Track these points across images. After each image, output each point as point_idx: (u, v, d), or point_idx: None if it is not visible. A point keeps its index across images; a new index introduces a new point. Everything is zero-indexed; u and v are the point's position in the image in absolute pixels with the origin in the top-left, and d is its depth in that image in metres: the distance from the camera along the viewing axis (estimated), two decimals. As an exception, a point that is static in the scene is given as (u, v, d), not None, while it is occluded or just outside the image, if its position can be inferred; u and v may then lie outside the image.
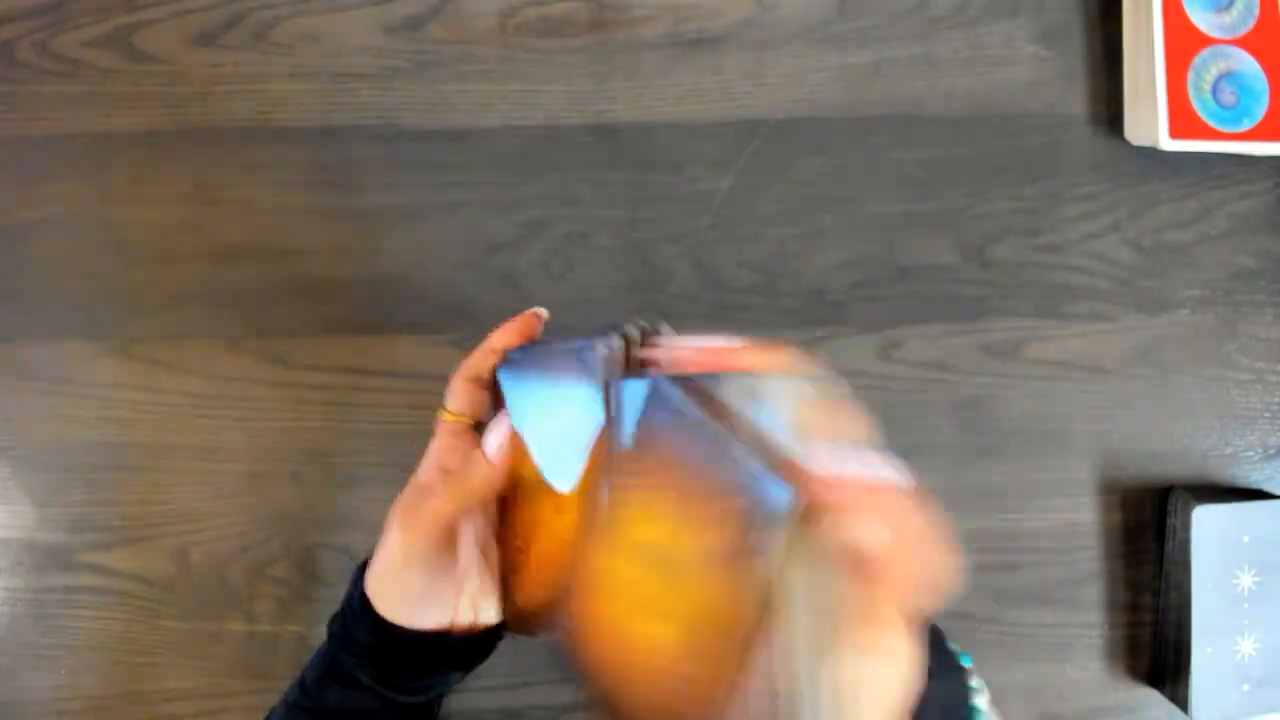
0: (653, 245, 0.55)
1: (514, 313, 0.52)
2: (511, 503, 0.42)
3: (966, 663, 0.36)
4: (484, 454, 0.39)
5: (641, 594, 0.32)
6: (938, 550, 0.28)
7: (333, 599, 0.53)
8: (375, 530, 0.53)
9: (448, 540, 0.39)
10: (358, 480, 0.54)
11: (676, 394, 0.32)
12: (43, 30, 0.55)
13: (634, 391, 0.34)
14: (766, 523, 0.28)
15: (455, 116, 0.55)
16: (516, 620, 0.42)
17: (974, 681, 0.36)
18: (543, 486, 0.39)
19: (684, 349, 0.33)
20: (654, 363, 0.35)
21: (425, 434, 0.53)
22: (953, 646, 0.37)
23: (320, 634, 0.54)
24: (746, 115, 0.55)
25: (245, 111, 0.55)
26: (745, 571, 0.28)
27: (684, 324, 0.54)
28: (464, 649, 0.40)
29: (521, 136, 0.55)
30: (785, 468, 0.28)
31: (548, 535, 0.40)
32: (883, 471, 0.28)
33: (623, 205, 0.55)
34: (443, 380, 0.40)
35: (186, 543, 0.53)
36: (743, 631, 0.28)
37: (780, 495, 0.28)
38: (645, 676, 0.32)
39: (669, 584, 0.31)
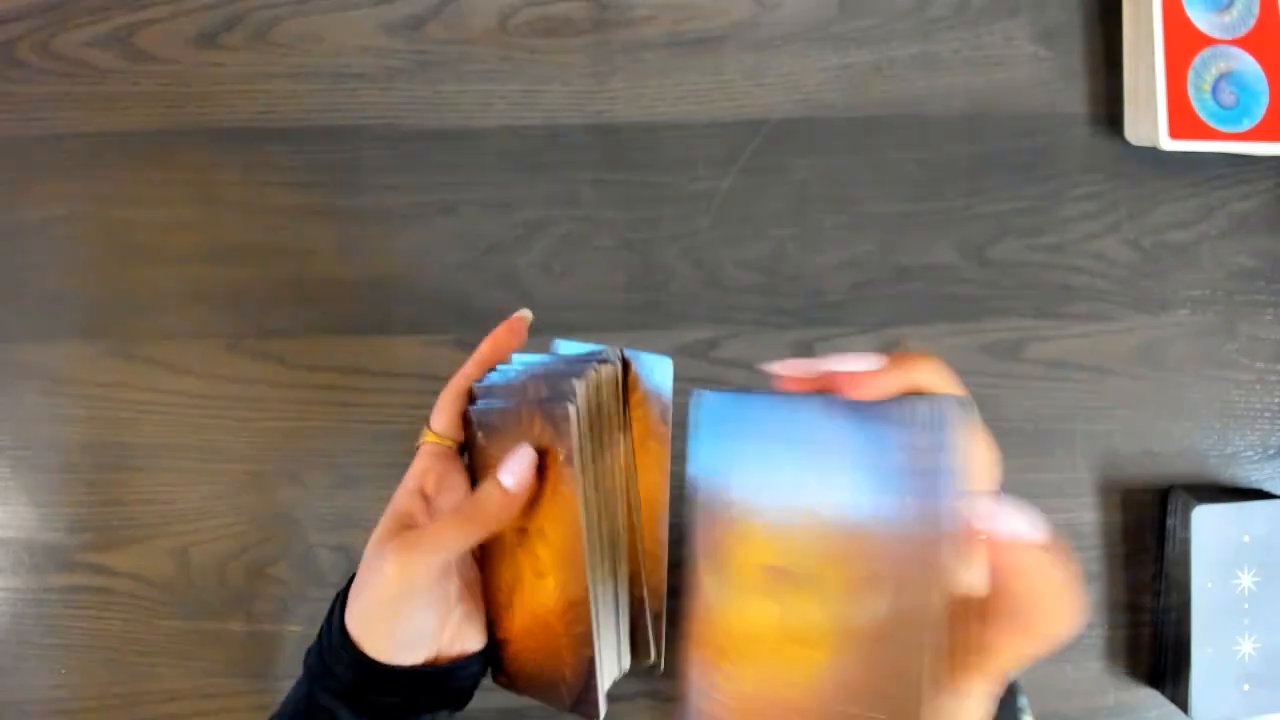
0: (653, 245, 0.55)
1: (512, 313, 0.52)
2: (490, 550, 0.40)
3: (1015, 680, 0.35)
4: (500, 484, 0.36)
5: (789, 624, 0.30)
6: (1066, 604, 0.26)
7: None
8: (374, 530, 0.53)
9: (446, 574, 0.37)
10: (358, 480, 0.54)
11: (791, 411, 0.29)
12: (43, 30, 0.55)
13: (716, 408, 0.31)
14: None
15: (455, 116, 0.55)
16: (501, 674, 0.41)
17: (1021, 700, 0.35)
18: (521, 546, 0.38)
19: (811, 371, 0.29)
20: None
21: (425, 434, 0.53)
22: None
23: (320, 634, 0.54)
24: (746, 115, 0.55)
25: (245, 111, 0.55)
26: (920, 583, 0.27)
27: (684, 324, 0.54)
28: (449, 681, 0.38)
29: (521, 136, 0.55)
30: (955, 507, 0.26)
31: (529, 600, 0.39)
32: (1028, 525, 0.26)
33: (623, 205, 0.55)
34: (443, 381, 0.40)
35: (186, 543, 0.53)
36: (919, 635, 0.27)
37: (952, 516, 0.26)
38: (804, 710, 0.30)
39: (803, 600, 0.29)
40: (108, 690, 0.53)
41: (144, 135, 0.55)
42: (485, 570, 0.41)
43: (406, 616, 0.36)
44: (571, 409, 0.35)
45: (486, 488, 0.36)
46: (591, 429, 0.36)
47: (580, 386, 0.36)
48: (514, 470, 0.36)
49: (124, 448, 0.54)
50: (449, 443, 0.40)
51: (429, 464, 0.39)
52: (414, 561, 0.35)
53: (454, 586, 0.38)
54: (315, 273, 0.55)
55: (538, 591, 0.38)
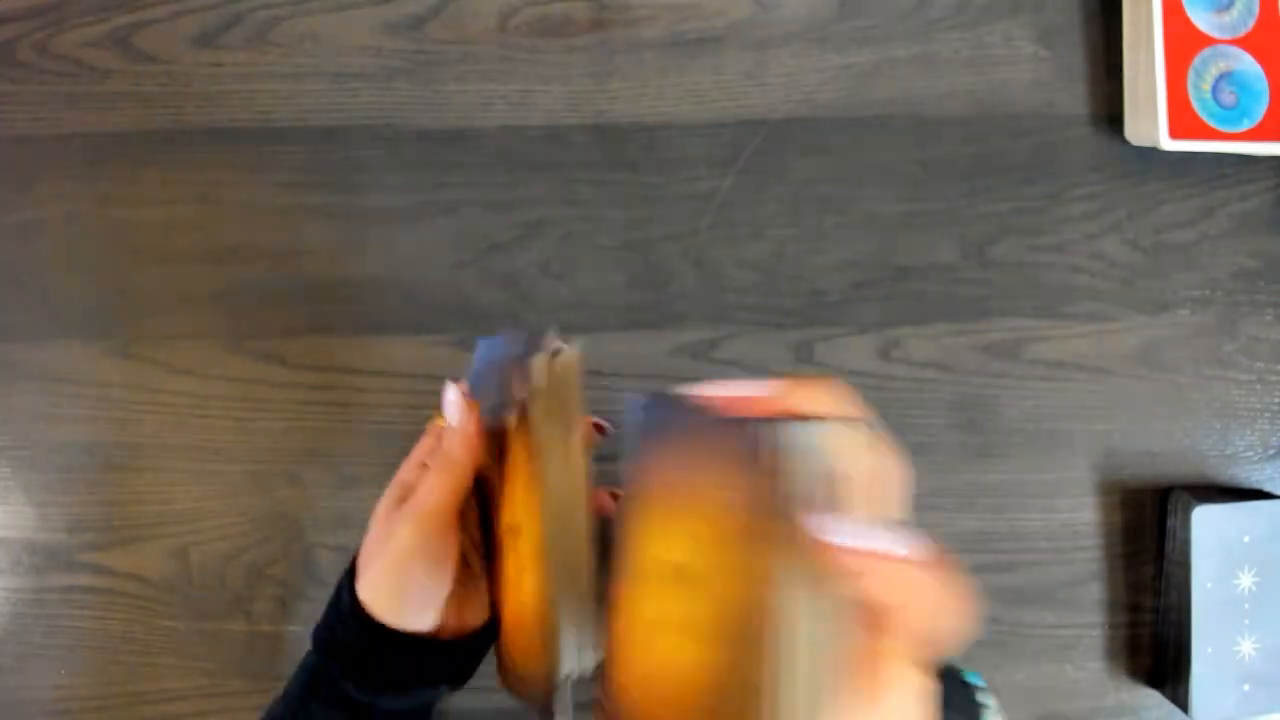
0: (653, 245, 0.55)
1: (514, 312, 0.52)
2: (495, 548, 0.41)
3: (974, 680, 0.36)
4: (449, 422, 0.39)
5: (664, 612, 0.31)
6: (951, 602, 0.26)
7: (333, 599, 0.53)
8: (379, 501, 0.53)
9: (448, 532, 0.39)
10: (358, 480, 0.54)
11: (689, 419, 0.30)
12: (43, 30, 0.55)
13: (637, 412, 0.33)
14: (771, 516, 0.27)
15: (455, 116, 0.55)
16: (500, 671, 0.42)
17: (981, 697, 0.35)
18: (509, 544, 0.39)
19: (713, 396, 0.30)
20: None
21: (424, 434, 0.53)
22: (957, 667, 0.37)
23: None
24: (746, 115, 0.55)
25: (245, 111, 0.55)
26: (757, 566, 0.27)
27: (684, 324, 0.54)
28: (452, 653, 0.40)
29: (521, 136, 0.55)
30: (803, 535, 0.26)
31: (514, 598, 0.39)
32: (897, 544, 0.26)
33: (623, 205, 0.55)
34: (442, 380, 0.40)
35: (186, 543, 0.53)
36: (758, 636, 0.27)
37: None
38: (678, 702, 0.30)
39: (688, 596, 0.30)
40: (108, 690, 0.53)
41: (144, 135, 0.55)
42: (491, 568, 0.41)
43: (418, 575, 0.38)
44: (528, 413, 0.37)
45: (446, 434, 0.39)
46: (553, 422, 0.38)
47: (536, 381, 0.37)
48: (449, 409, 0.39)
49: (124, 448, 0.54)
50: None
51: (434, 442, 0.42)
52: (422, 518, 0.38)
53: (455, 554, 0.40)
54: (315, 273, 0.55)
55: (519, 589, 0.39)
